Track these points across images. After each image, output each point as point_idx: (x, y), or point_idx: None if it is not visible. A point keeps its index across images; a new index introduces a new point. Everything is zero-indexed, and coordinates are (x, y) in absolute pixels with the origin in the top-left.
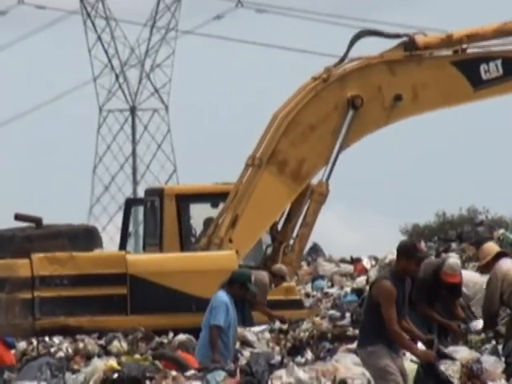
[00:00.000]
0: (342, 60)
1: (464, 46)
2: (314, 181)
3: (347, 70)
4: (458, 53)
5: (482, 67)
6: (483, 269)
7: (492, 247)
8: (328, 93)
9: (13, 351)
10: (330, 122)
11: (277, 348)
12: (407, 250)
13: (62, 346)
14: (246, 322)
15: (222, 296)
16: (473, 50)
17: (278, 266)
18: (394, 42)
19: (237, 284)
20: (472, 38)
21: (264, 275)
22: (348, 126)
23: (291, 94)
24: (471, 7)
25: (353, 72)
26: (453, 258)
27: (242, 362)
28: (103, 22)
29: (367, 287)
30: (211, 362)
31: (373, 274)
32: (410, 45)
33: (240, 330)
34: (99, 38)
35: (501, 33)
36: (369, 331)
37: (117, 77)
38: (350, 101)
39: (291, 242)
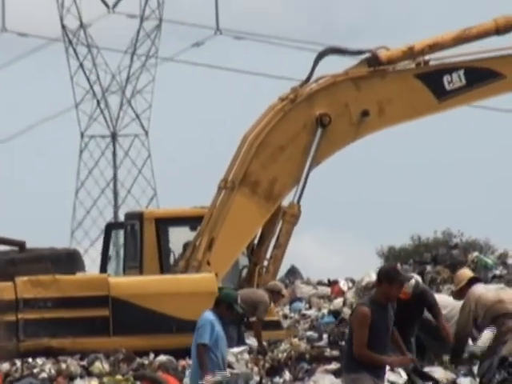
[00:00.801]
0: (308, 79)
1: (426, 57)
2: (286, 202)
3: (314, 89)
4: (420, 65)
5: (446, 78)
6: (458, 295)
7: (465, 273)
8: (296, 113)
9: None
10: (299, 142)
11: (255, 369)
12: (388, 274)
13: (44, 366)
14: (240, 341)
15: (208, 315)
16: (435, 61)
17: (272, 282)
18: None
19: (224, 304)
20: (433, 47)
21: (264, 294)
22: (317, 144)
23: (259, 115)
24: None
25: (319, 91)
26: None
27: None
28: (85, 50)
29: (344, 309)
30: (201, 380)
31: (350, 295)
32: (373, 60)
33: None
34: (81, 65)
35: (461, 40)
36: (352, 358)
37: (98, 103)
38: (318, 119)
39: (265, 263)
